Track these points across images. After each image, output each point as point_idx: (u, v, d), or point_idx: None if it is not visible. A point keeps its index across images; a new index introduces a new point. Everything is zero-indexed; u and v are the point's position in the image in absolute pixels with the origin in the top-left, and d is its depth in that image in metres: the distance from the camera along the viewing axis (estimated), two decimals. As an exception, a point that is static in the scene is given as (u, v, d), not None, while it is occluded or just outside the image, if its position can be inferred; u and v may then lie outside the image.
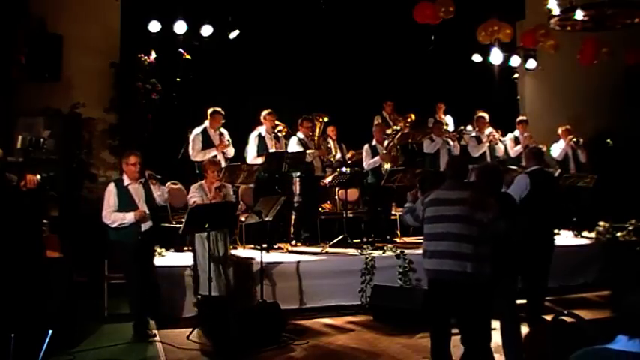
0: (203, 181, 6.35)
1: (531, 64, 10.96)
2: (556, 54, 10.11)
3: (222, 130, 7.79)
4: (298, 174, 7.98)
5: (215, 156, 7.49)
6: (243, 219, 7.05)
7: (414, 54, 10.14)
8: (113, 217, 5.59)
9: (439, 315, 4.41)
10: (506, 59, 10.42)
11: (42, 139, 5.75)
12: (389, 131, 9.34)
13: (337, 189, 8.77)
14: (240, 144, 8.01)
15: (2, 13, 7.20)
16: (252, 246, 7.39)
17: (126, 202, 5.64)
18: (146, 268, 5.79)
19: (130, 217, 5.56)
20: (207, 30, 8.91)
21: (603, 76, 10.73)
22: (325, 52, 9.70)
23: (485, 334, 4.31)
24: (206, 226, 5.58)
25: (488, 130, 9.20)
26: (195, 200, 6.06)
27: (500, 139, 9.25)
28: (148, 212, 5.67)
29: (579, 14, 7.97)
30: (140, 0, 8.77)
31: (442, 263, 4.24)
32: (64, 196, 7.21)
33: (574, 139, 9.43)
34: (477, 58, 10.28)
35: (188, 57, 8.91)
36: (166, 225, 7.28)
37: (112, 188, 5.70)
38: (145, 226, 5.67)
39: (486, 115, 9.29)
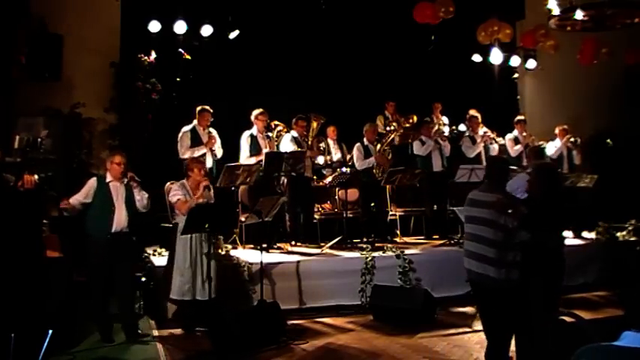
0: (185, 180, 6.11)
1: (531, 64, 10.96)
2: (556, 54, 10.11)
3: (212, 129, 7.75)
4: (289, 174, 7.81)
5: (204, 154, 7.48)
6: (243, 219, 7.05)
7: (414, 54, 10.14)
8: (71, 201, 5.56)
9: (481, 314, 4.54)
10: (506, 59, 10.42)
11: (39, 139, 5.77)
12: (381, 131, 9.32)
13: (337, 189, 8.76)
14: (239, 144, 7.99)
15: (2, 13, 7.20)
16: (252, 246, 7.38)
17: (103, 199, 5.60)
18: (121, 270, 5.68)
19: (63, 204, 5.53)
20: (207, 30, 8.90)
21: (603, 76, 10.72)
22: (325, 52, 9.69)
23: (506, 339, 4.34)
24: (206, 226, 5.57)
25: (483, 130, 9.17)
26: (179, 198, 5.90)
27: (495, 139, 9.21)
28: (125, 214, 5.63)
29: (579, 14, 7.97)
30: (140, 0, 8.77)
31: (471, 264, 4.36)
32: (63, 196, 7.19)
33: (572, 139, 9.42)
34: (477, 58, 10.27)
35: (188, 57, 8.90)
36: (166, 225, 7.27)
37: (92, 182, 5.70)
38: (117, 227, 5.59)
39: (478, 115, 9.26)
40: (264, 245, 6.87)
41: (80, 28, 8.19)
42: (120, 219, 5.62)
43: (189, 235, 5.73)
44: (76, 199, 5.59)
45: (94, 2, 8.52)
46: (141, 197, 5.78)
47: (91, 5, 8.44)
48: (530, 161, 6.22)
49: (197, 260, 5.77)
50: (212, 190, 6.24)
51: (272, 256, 6.97)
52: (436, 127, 9.42)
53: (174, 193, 6.00)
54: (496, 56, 9.76)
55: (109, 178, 5.72)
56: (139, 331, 5.76)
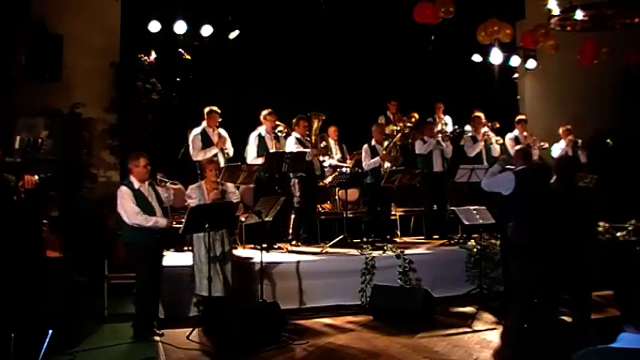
0: (202, 182, 6.32)
1: (531, 64, 10.95)
2: (556, 54, 10.10)
3: (221, 130, 7.79)
4: (299, 174, 7.90)
5: (215, 154, 7.52)
6: (243, 219, 7.05)
7: (414, 54, 10.14)
8: (145, 217, 5.56)
9: None
10: (506, 59, 10.41)
11: (40, 140, 5.76)
12: (387, 131, 9.32)
13: (337, 189, 8.76)
14: (240, 144, 8.01)
15: (2, 13, 7.19)
16: (252, 246, 7.39)
17: (143, 204, 5.65)
18: (157, 268, 5.85)
19: (162, 223, 5.64)
20: (207, 30, 8.90)
21: (603, 76, 10.71)
22: (325, 52, 9.69)
23: None
24: (206, 226, 5.58)
25: (484, 129, 9.17)
26: (189, 203, 6.02)
27: (495, 139, 9.17)
28: (161, 211, 5.78)
29: (579, 14, 7.97)
30: (140, 0, 8.77)
31: None
32: (63, 196, 7.20)
33: (573, 140, 9.40)
34: (477, 58, 10.27)
35: (188, 57, 8.90)
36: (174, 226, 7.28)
37: (126, 190, 5.65)
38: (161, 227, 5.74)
39: (482, 115, 9.26)
40: (264, 245, 6.87)
41: (80, 28, 8.19)
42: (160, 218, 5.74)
43: (203, 235, 5.81)
44: (140, 214, 5.57)
45: (94, 2, 8.52)
46: (168, 193, 5.92)
47: (91, 5, 8.44)
48: (516, 162, 6.12)
49: (209, 259, 5.80)
50: (230, 187, 6.39)
51: (272, 256, 6.97)
52: (439, 127, 9.42)
53: (188, 196, 6.16)
54: (496, 56, 9.75)
55: (136, 183, 5.72)
56: (155, 329, 5.78)
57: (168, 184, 5.96)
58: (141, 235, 5.63)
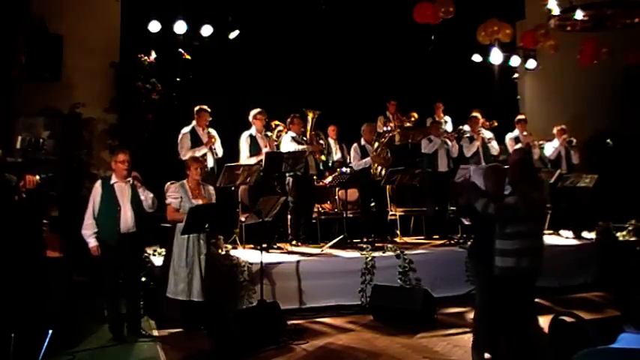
0: (185, 180, 6.02)
1: (531, 64, 10.96)
2: (556, 54, 10.11)
3: (211, 129, 7.72)
4: (292, 173, 7.80)
5: (205, 154, 7.47)
6: (243, 219, 7.04)
7: (414, 54, 10.15)
8: (87, 228, 5.57)
9: None
10: (506, 59, 10.42)
11: (41, 140, 5.77)
12: (379, 130, 9.31)
13: (337, 189, 8.76)
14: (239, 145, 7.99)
15: (2, 13, 7.20)
16: (252, 246, 7.38)
17: (109, 201, 5.59)
18: (130, 270, 5.75)
19: (91, 244, 5.55)
20: (207, 30, 8.91)
21: (603, 76, 10.72)
22: (326, 52, 9.70)
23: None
24: (206, 226, 5.57)
25: (478, 129, 9.15)
26: (170, 202, 5.87)
27: (486, 138, 9.14)
28: (132, 215, 5.64)
29: (579, 14, 7.98)
30: (140, 0, 8.77)
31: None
32: (64, 196, 7.20)
33: (567, 140, 9.40)
34: (477, 58, 10.28)
35: (188, 57, 8.91)
36: (166, 225, 7.27)
37: (98, 186, 5.68)
38: (124, 228, 5.60)
39: (478, 115, 9.26)
40: (264, 245, 6.87)
41: (80, 28, 8.19)
42: (126, 219, 5.61)
43: (187, 235, 5.72)
44: (91, 222, 5.58)
45: (94, 2, 8.52)
46: (145, 197, 5.77)
47: (91, 5, 8.44)
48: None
49: (194, 260, 5.75)
50: (211, 189, 6.21)
51: (272, 256, 6.96)
52: (443, 127, 9.43)
53: (170, 194, 5.98)
54: (496, 56, 9.76)
55: (113, 179, 5.69)
56: (143, 331, 5.77)
57: (142, 187, 5.81)
58: (103, 233, 5.58)
